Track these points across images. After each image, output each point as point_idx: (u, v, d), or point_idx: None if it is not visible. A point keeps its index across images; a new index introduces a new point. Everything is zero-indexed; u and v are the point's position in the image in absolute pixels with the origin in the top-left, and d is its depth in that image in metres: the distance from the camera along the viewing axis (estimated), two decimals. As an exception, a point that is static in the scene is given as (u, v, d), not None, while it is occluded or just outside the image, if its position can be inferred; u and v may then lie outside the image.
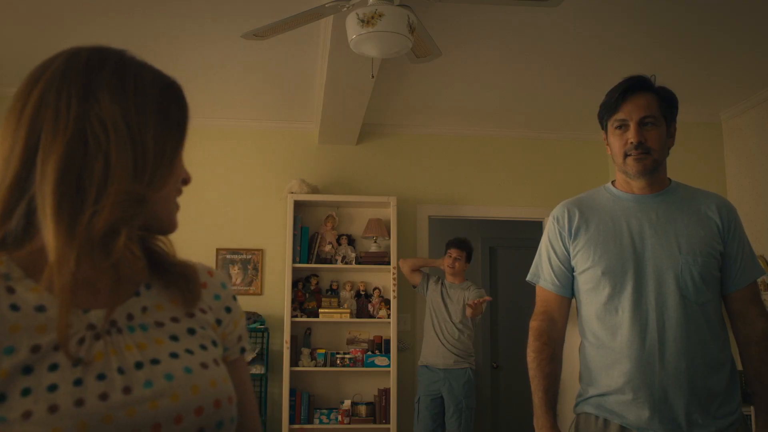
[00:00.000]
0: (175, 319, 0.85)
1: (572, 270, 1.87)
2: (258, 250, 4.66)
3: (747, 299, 1.79)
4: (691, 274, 1.71)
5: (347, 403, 4.40)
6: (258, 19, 3.06)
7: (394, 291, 4.47)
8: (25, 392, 0.69)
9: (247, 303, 4.53)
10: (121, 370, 0.75)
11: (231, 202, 4.69)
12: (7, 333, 0.72)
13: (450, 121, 4.84)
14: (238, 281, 4.61)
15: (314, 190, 4.61)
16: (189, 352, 0.83)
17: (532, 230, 5.13)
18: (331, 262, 4.56)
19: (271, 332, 4.48)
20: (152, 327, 0.82)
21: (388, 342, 4.51)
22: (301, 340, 4.55)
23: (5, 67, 3.80)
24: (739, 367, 1.79)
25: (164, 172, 0.82)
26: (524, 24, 3.25)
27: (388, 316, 4.49)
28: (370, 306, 4.61)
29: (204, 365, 0.83)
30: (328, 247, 4.59)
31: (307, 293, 4.59)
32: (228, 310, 0.94)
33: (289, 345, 4.32)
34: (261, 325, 4.41)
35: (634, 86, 1.79)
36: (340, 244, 4.62)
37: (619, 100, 1.78)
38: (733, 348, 1.80)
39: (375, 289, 4.65)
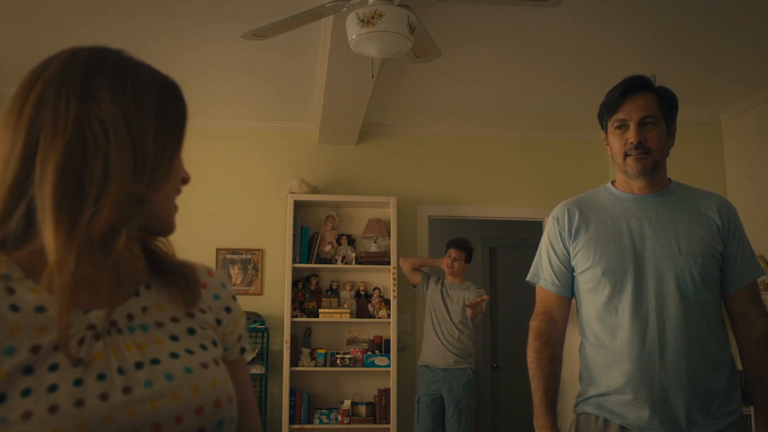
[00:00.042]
0: (175, 319, 0.85)
1: (572, 270, 1.87)
2: (258, 250, 4.66)
3: (747, 299, 1.79)
4: (691, 274, 1.71)
5: (347, 403, 4.40)
6: (258, 19, 3.06)
7: (394, 291, 4.47)
8: (26, 392, 0.69)
9: (247, 303, 4.53)
10: (121, 370, 0.75)
11: (231, 202, 4.69)
12: (8, 333, 0.72)
13: (450, 121, 4.84)
14: (238, 281, 4.61)
15: (314, 190, 4.61)
16: (189, 352, 0.83)
17: (532, 230, 5.13)
18: (331, 262, 4.56)
19: (271, 332, 4.48)
20: (152, 327, 0.82)
21: (388, 342, 4.51)
22: (301, 340, 4.55)
23: (5, 67, 3.81)
24: (739, 367, 1.79)
25: (164, 172, 0.82)
26: (524, 24, 3.25)
27: (388, 316, 4.49)
28: (370, 306, 4.61)
29: (204, 365, 0.83)
30: (328, 247, 4.59)
31: (307, 293, 4.59)
32: (228, 310, 0.94)
33: (289, 345, 4.32)
34: (261, 325, 4.41)
35: (634, 86, 1.79)
36: (340, 244, 4.62)
37: (619, 100, 1.78)
38: (733, 348, 1.80)
39: (375, 289, 4.65)
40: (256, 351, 4.36)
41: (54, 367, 0.72)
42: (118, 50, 0.84)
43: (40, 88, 0.78)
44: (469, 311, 4.13)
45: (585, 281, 1.82)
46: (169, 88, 0.85)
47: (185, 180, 0.88)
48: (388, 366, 4.40)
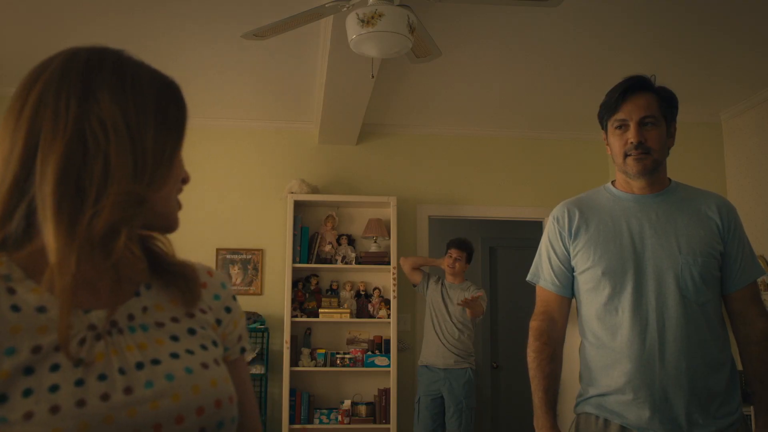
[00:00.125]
0: (175, 320, 0.85)
1: (572, 270, 1.87)
2: (258, 250, 4.66)
3: (747, 299, 1.79)
4: (691, 274, 1.71)
5: (347, 403, 4.40)
6: (258, 19, 3.06)
7: (394, 291, 4.47)
8: (27, 393, 0.69)
9: (247, 303, 4.53)
10: (122, 371, 0.75)
11: (231, 202, 4.69)
12: (8, 334, 0.72)
13: (450, 121, 4.84)
14: (238, 281, 4.61)
15: (314, 190, 4.61)
16: (189, 352, 0.83)
17: (532, 230, 5.13)
18: (331, 262, 4.56)
19: (271, 332, 4.48)
20: (153, 327, 0.82)
21: (388, 342, 4.51)
22: (301, 340, 4.55)
23: (5, 67, 3.81)
24: (739, 367, 1.79)
25: (164, 172, 0.82)
26: (524, 24, 3.25)
27: (388, 316, 4.49)
28: (370, 306, 4.61)
29: (204, 365, 0.83)
30: (328, 247, 4.59)
31: (307, 293, 4.59)
32: (228, 310, 0.94)
33: (289, 345, 4.32)
34: (261, 325, 4.41)
35: (634, 86, 1.79)
36: (340, 244, 4.62)
37: (619, 100, 1.78)
38: (733, 348, 1.80)
39: (375, 289, 4.65)
40: (256, 351, 4.36)
41: (55, 368, 0.72)
42: (118, 50, 0.84)
43: (40, 88, 0.78)
44: (468, 311, 4.13)
45: (585, 281, 1.82)
46: (169, 88, 0.85)
47: (185, 180, 0.88)
48: (388, 366, 4.40)
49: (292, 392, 4.34)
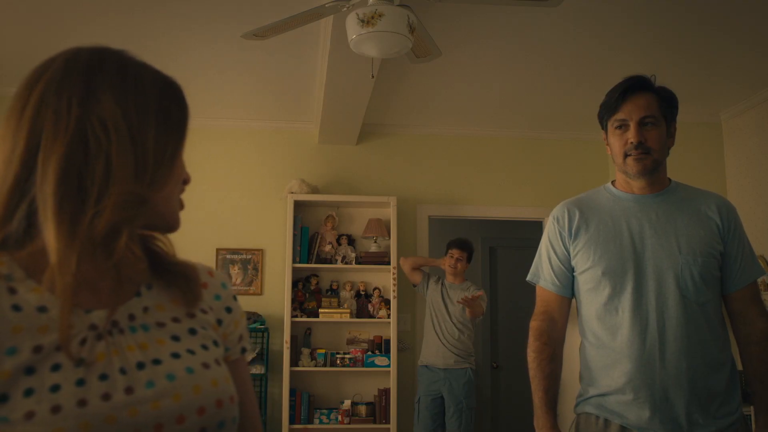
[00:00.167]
0: (176, 320, 0.85)
1: (572, 270, 1.87)
2: (258, 250, 4.66)
3: (747, 299, 1.79)
4: (691, 274, 1.71)
5: (347, 403, 4.40)
6: (258, 19, 3.06)
7: (394, 291, 4.47)
8: (28, 393, 0.69)
9: (247, 303, 4.53)
10: (123, 371, 0.75)
11: (231, 202, 4.69)
12: (9, 334, 0.72)
13: (450, 121, 4.84)
14: (238, 281, 4.61)
15: (314, 190, 4.61)
16: (190, 352, 0.83)
17: (532, 230, 5.13)
18: (331, 262, 4.56)
19: (271, 332, 4.48)
20: (153, 327, 0.82)
21: (388, 342, 4.51)
22: (301, 340, 4.55)
23: (5, 67, 3.81)
24: (740, 367, 1.79)
25: (165, 172, 0.82)
26: (524, 24, 3.25)
27: (388, 316, 4.49)
28: (370, 306, 4.61)
29: (205, 365, 0.83)
30: (328, 247, 4.59)
31: (307, 293, 4.59)
32: (228, 310, 0.94)
33: (289, 345, 4.32)
34: (261, 325, 4.41)
35: (634, 86, 1.79)
36: (340, 244, 4.62)
37: (619, 100, 1.78)
38: (733, 348, 1.80)
39: (375, 289, 4.65)
40: (256, 351, 4.36)
41: (56, 367, 0.71)
42: (119, 50, 0.84)
43: (42, 88, 0.77)
44: (468, 311, 4.13)
45: (585, 281, 1.82)
46: (171, 88, 0.85)
47: (186, 181, 0.89)
48: (388, 366, 4.40)
49: (292, 392, 4.34)
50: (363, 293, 4.66)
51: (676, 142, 1.86)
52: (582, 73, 3.89)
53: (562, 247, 1.87)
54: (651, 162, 1.77)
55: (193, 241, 4.45)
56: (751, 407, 1.94)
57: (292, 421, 4.29)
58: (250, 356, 4.24)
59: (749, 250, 1.82)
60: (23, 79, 0.80)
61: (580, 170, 5.00)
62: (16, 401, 0.69)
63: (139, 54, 0.86)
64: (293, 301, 4.44)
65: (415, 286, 4.49)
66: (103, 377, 0.73)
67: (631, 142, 1.76)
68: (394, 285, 4.47)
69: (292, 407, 4.31)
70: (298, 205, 4.54)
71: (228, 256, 4.64)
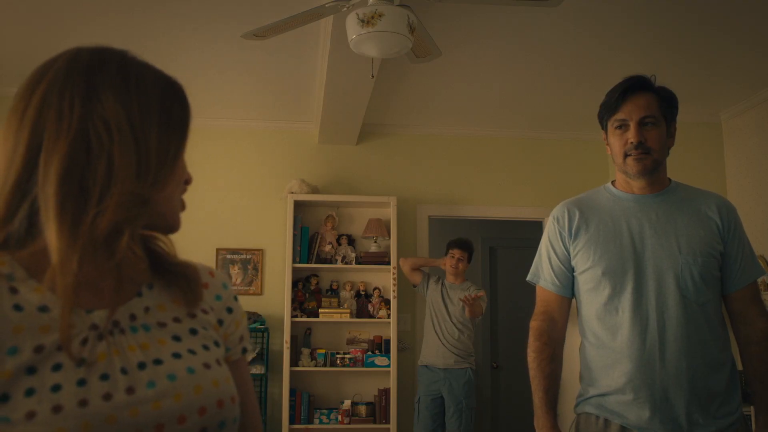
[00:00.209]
0: (177, 320, 0.85)
1: (572, 270, 1.87)
2: (258, 250, 4.66)
3: (747, 299, 1.79)
4: (691, 274, 1.71)
5: (347, 403, 4.40)
6: (258, 19, 3.06)
7: (394, 291, 4.47)
8: (29, 392, 0.69)
9: (247, 303, 4.53)
10: (124, 371, 0.75)
11: (231, 202, 4.69)
12: (11, 333, 0.72)
13: (450, 121, 4.84)
14: (238, 281, 4.61)
15: (314, 190, 4.61)
16: (191, 352, 0.83)
17: (532, 230, 5.13)
18: (331, 262, 4.56)
19: (271, 332, 4.48)
20: (155, 327, 0.82)
21: (388, 342, 4.51)
22: (301, 340, 4.55)
23: (5, 67, 3.81)
24: (740, 367, 1.79)
25: (167, 172, 0.82)
26: (524, 24, 3.25)
27: (388, 316, 4.49)
28: (370, 306, 4.61)
29: (206, 365, 0.83)
30: (328, 247, 4.59)
31: (307, 293, 4.59)
32: (229, 310, 0.94)
33: (289, 345, 4.32)
34: (261, 325, 4.41)
35: (634, 86, 1.79)
36: (340, 244, 4.62)
37: (619, 100, 1.78)
38: (733, 348, 1.80)
39: (375, 289, 4.65)
40: (256, 351, 4.36)
41: (57, 367, 0.71)
42: (122, 50, 0.84)
43: (44, 88, 0.77)
44: (468, 311, 4.13)
45: (585, 281, 1.82)
46: (173, 88, 0.85)
47: (188, 181, 0.89)
48: (388, 366, 4.40)
49: (292, 392, 4.34)
50: (363, 293, 4.66)
51: (676, 142, 1.86)
52: (582, 73, 3.89)
53: (562, 247, 1.87)
54: (651, 162, 1.77)
55: (193, 241, 4.45)
56: (751, 407, 1.94)
57: (292, 421, 4.29)
58: (250, 356, 4.24)
59: (749, 250, 1.82)
60: (25, 80, 0.80)
61: (580, 170, 5.00)
62: (17, 401, 0.69)
63: (139, 54, 0.86)
64: (293, 301, 4.44)
65: (415, 286, 4.49)
66: (104, 377, 0.73)
67: (631, 142, 1.76)
68: (394, 285, 4.47)
69: (292, 407, 4.32)
70: (298, 205, 4.54)
71: (228, 256, 4.64)
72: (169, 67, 0.89)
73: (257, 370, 4.28)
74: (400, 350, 4.57)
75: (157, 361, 0.78)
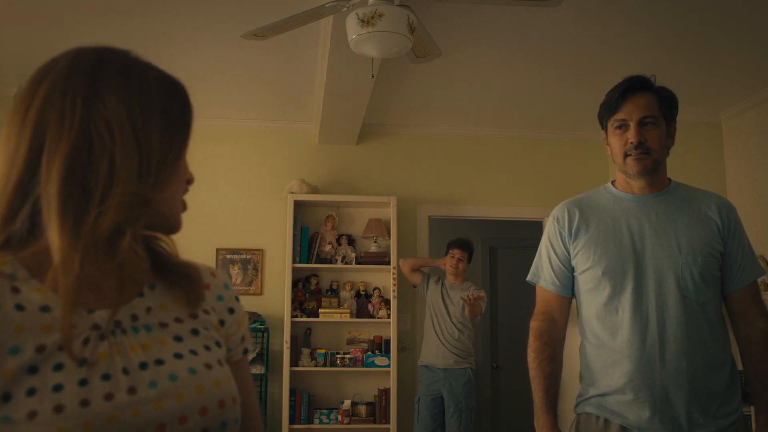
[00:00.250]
0: (178, 320, 0.85)
1: (572, 270, 1.87)
2: (258, 250, 4.66)
3: (747, 299, 1.79)
4: (692, 273, 1.71)
5: (347, 403, 4.40)
6: (258, 19, 3.06)
7: (394, 291, 4.47)
8: (31, 392, 0.69)
9: (247, 303, 4.53)
10: (125, 371, 0.75)
11: (231, 202, 4.69)
12: (12, 333, 0.72)
13: (450, 121, 4.84)
14: (238, 281, 4.61)
15: (314, 190, 4.61)
16: (193, 352, 0.83)
17: (532, 230, 5.13)
18: (331, 262, 4.56)
19: (271, 332, 4.48)
20: (156, 328, 0.82)
21: (388, 342, 4.51)
22: (301, 340, 4.55)
23: (5, 67, 3.81)
24: (740, 367, 1.79)
25: (169, 173, 0.82)
26: (524, 24, 3.25)
27: (388, 316, 4.49)
28: (370, 306, 4.61)
29: (208, 366, 0.83)
30: (328, 247, 4.59)
31: (307, 293, 4.59)
32: (231, 311, 0.94)
33: (289, 345, 4.32)
34: (261, 325, 4.41)
35: (634, 86, 1.79)
36: (340, 244, 4.62)
37: (619, 100, 1.78)
38: (733, 348, 1.80)
39: (375, 289, 4.65)
40: (256, 351, 4.36)
41: (59, 367, 0.71)
42: (124, 50, 0.84)
43: (46, 88, 0.78)
44: (468, 311, 4.13)
45: (585, 281, 1.82)
46: (175, 89, 0.85)
47: (189, 181, 0.89)
48: (388, 366, 4.40)
49: (292, 392, 4.34)
50: (363, 293, 4.66)
51: (676, 142, 1.86)
52: (582, 73, 3.89)
53: (562, 247, 1.87)
54: (651, 162, 1.77)
55: (193, 241, 4.45)
56: (751, 407, 1.94)
57: (292, 421, 4.29)
58: (250, 356, 4.24)
59: (749, 250, 1.82)
60: (27, 79, 0.80)
61: (580, 170, 5.00)
62: (18, 401, 0.69)
63: (141, 54, 0.86)
64: (293, 301, 4.44)
65: (415, 287, 4.49)
66: (106, 377, 0.73)
67: (631, 142, 1.76)
68: (394, 285, 4.47)
69: (292, 407, 4.32)
70: (298, 205, 4.54)
71: (228, 256, 4.64)
72: (169, 67, 0.89)
73: (257, 370, 4.28)
74: (400, 350, 4.58)
75: (159, 362, 0.78)
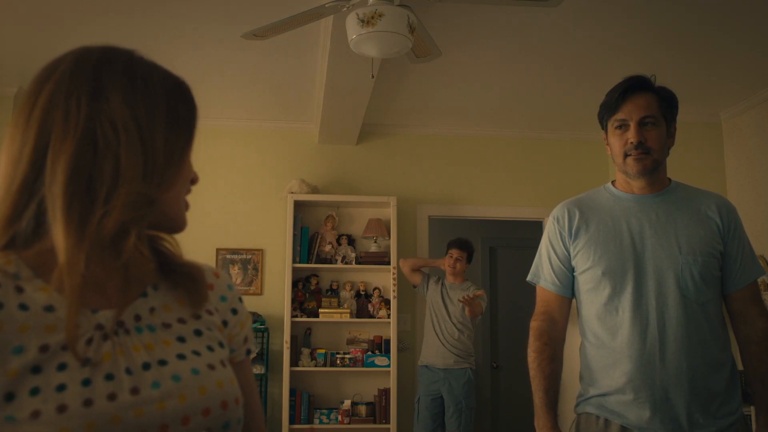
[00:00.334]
0: (181, 321, 0.85)
1: (572, 270, 1.87)
2: (258, 250, 4.66)
3: (747, 299, 1.79)
4: (692, 273, 1.71)
5: (347, 403, 4.40)
6: (258, 19, 3.06)
7: (394, 291, 4.47)
8: (34, 392, 0.69)
9: (247, 303, 4.47)
10: (128, 371, 0.75)
11: (231, 202, 4.69)
12: (16, 332, 0.71)
13: (450, 121, 4.84)
14: (238, 281, 4.61)
15: (314, 190, 4.61)
16: (196, 353, 0.83)
17: (532, 230, 5.13)
18: (331, 262, 4.56)
19: (271, 332, 4.48)
20: (159, 328, 0.82)
21: (388, 342, 4.51)
22: (301, 340, 4.55)
23: (5, 67, 3.80)
24: (740, 367, 1.80)
25: (173, 172, 0.82)
26: (524, 24, 3.25)
27: (388, 316, 4.49)
28: (370, 306, 4.61)
29: (211, 366, 0.83)
30: (328, 247, 4.59)
31: (307, 293, 4.59)
32: (234, 311, 0.94)
33: (289, 345, 4.32)
34: (261, 325, 4.41)
35: (634, 86, 1.79)
36: (340, 244, 4.62)
37: (619, 100, 1.78)
38: (733, 348, 1.80)
39: (375, 289, 4.65)
40: (256, 351, 4.36)
41: (62, 367, 0.71)
42: (128, 50, 0.84)
43: (51, 88, 0.77)
44: (468, 311, 4.13)
45: (585, 281, 1.82)
46: (180, 88, 0.86)
47: (194, 180, 0.89)
48: (388, 366, 4.40)
49: (292, 392, 4.34)
50: (363, 293, 4.66)
51: (676, 142, 1.86)
52: (582, 73, 3.89)
53: (562, 247, 1.87)
54: (651, 162, 1.77)
55: (193, 241, 4.44)
56: (752, 407, 1.94)
57: (292, 421, 4.29)
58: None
59: (749, 249, 1.82)
60: (31, 79, 0.80)
61: (580, 170, 5.00)
62: (22, 400, 0.69)
63: (143, 54, 0.86)
64: (293, 301, 4.44)
65: (415, 287, 4.49)
66: (109, 377, 0.73)
67: (631, 142, 1.76)
68: (394, 285, 4.47)
69: (292, 407, 4.32)
70: (298, 205, 4.54)
71: (228, 256, 4.64)
72: (169, 67, 0.89)
73: (257, 370, 4.28)
74: (400, 350, 4.58)
75: (162, 362, 0.78)
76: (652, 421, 1.66)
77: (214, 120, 4.70)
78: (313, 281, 4.64)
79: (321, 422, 4.34)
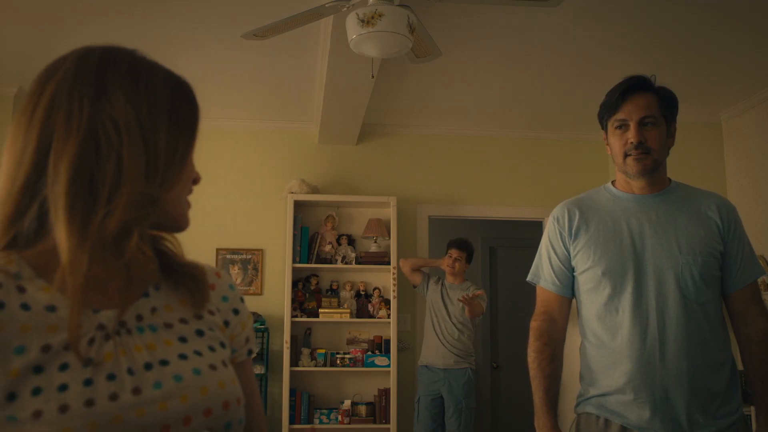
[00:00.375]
0: (183, 321, 0.85)
1: (572, 270, 1.87)
2: (258, 250, 4.66)
3: (747, 299, 1.79)
4: (692, 273, 1.71)
5: (347, 403, 4.40)
6: (258, 19, 3.06)
7: (394, 291, 4.47)
8: (36, 392, 0.69)
9: (247, 303, 4.47)
10: (130, 371, 0.75)
11: (231, 202, 4.69)
12: (18, 332, 0.71)
13: (450, 121, 4.84)
14: (238, 281, 4.61)
15: (314, 190, 4.61)
16: (197, 353, 0.83)
17: (532, 230, 5.13)
18: (331, 262, 4.56)
19: (271, 332, 4.48)
20: (161, 328, 0.82)
21: (388, 342, 4.51)
22: (301, 340, 4.55)
23: (5, 67, 3.80)
24: (740, 367, 1.80)
25: (176, 172, 0.82)
26: (524, 24, 3.25)
27: (388, 316, 4.49)
28: (370, 306, 4.61)
29: (212, 367, 0.83)
30: (328, 247, 4.59)
31: (307, 293, 4.59)
32: (236, 312, 0.94)
33: (289, 345, 4.32)
34: (261, 325, 4.41)
35: (634, 86, 1.79)
36: (340, 244, 4.62)
37: (619, 100, 1.78)
38: (733, 348, 1.80)
39: (375, 289, 4.65)
40: (257, 351, 4.36)
41: (64, 367, 0.71)
42: (131, 50, 0.84)
43: (53, 88, 0.77)
44: (468, 310, 4.13)
45: (585, 281, 1.82)
46: (182, 88, 0.86)
47: (196, 180, 0.89)
48: (388, 366, 4.40)
49: (292, 392, 4.34)
50: (363, 293, 4.66)
51: (676, 142, 1.86)
52: (582, 73, 3.89)
53: (563, 247, 1.88)
54: (651, 162, 1.77)
55: (193, 240, 4.39)
56: (752, 407, 1.94)
57: (292, 421, 4.29)
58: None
59: (749, 249, 1.82)
60: (34, 79, 0.80)
61: (580, 170, 5.00)
62: (24, 400, 0.69)
63: (145, 53, 0.86)
64: (293, 301, 4.44)
65: (415, 287, 4.49)
66: (111, 377, 0.73)
67: (631, 142, 1.76)
68: (394, 285, 4.47)
69: (292, 407, 4.32)
70: (298, 205, 4.54)
71: (228, 256, 4.64)
72: (170, 68, 0.89)
73: (257, 370, 4.28)
74: (400, 350, 4.58)
75: (164, 362, 0.78)
76: (652, 421, 1.67)
77: (215, 120, 4.70)
78: (313, 281, 4.64)
79: (321, 422, 4.34)
